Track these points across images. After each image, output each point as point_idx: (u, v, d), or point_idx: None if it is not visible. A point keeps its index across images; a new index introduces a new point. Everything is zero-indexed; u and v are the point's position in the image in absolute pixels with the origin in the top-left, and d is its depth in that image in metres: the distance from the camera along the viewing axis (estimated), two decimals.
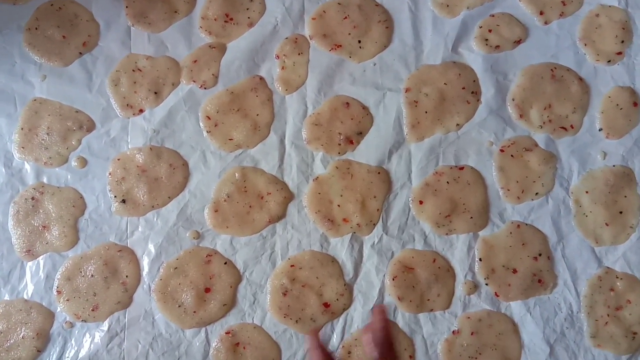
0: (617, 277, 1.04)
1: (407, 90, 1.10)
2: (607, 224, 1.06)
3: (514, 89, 1.10)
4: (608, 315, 1.03)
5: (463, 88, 1.10)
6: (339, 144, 1.09)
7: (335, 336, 1.04)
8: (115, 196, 1.08)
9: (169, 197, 1.08)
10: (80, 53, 1.12)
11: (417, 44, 1.12)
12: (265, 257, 1.06)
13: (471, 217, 1.06)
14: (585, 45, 1.11)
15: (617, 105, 1.09)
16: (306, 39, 1.13)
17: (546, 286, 1.05)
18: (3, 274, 1.06)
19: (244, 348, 1.03)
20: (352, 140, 1.09)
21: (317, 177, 1.08)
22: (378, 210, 1.07)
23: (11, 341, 1.03)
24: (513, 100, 1.10)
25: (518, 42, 1.11)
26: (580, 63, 1.11)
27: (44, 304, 1.05)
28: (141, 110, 1.11)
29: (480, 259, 1.05)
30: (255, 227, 1.07)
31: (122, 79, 1.11)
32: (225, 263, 1.06)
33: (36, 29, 1.13)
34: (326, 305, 1.04)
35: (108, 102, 1.11)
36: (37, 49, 1.12)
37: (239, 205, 1.07)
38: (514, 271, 1.05)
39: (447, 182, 1.07)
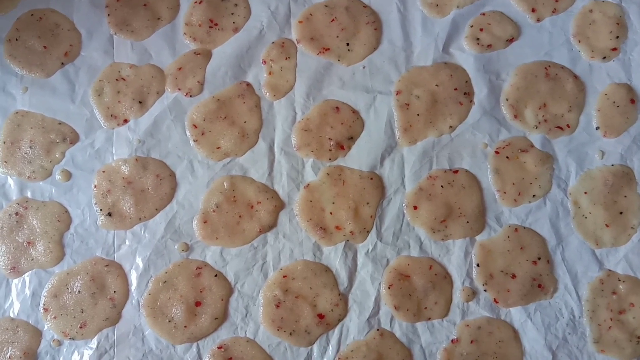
0: (620, 280, 1.02)
1: (397, 92, 1.08)
2: (607, 225, 1.03)
3: (507, 88, 1.08)
4: (611, 319, 1.00)
5: (455, 89, 1.08)
6: (330, 150, 1.06)
7: (330, 348, 1.01)
8: (101, 209, 1.05)
9: (156, 209, 1.05)
10: (62, 63, 1.10)
11: (407, 45, 1.10)
12: (257, 268, 1.04)
13: (467, 222, 1.04)
14: (580, 42, 1.09)
15: (614, 102, 1.07)
16: (293, 43, 1.10)
17: (546, 291, 1.02)
18: None
19: None
20: (343, 145, 1.07)
21: (308, 185, 1.06)
22: (371, 216, 1.05)
23: None
24: (507, 100, 1.07)
25: (510, 40, 1.09)
26: (574, 60, 1.09)
27: (30, 322, 1.02)
28: (126, 121, 1.08)
29: (477, 265, 1.03)
30: (245, 237, 1.04)
31: (106, 89, 1.09)
32: (216, 275, 1.03)
33: (17, 40, 1.10)
34: (321, 316, 1.01)
35: (92, 113, 1.08)
36: (18, 60, 1.10)
37: (229, 215, 1.04)
38: (513, 276, 1.02)
39: (442, 186, 1.05)
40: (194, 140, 1.07)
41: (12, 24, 1.11)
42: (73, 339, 1.02)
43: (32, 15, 1.12)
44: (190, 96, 1.09)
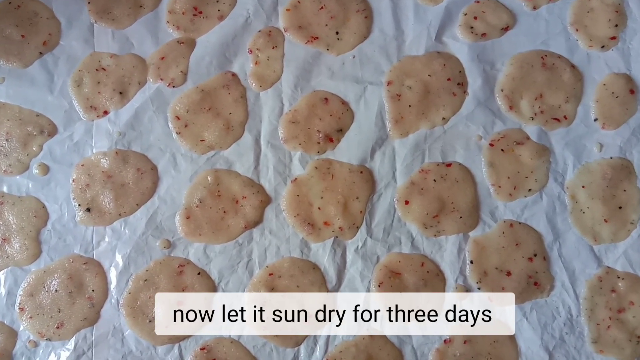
0: (619, 277, 0.99)
1: (389, 83, 1.04)
2: (605, 220, 1.00)
3: (502, 79, 1.05)
4: (610, 318, 0.97)
5: (448, 79, 1.04)
6: (318, 143, 1.03)
7: (318, 349, 0.97)
8: (79, 204, 1.02)
9: (137, 204, 1.02)
10: (41, 53, 1.06)
11: (399, 33, 1.06)
12: (242, 266, 1.00)
13: (460, 217, 1.00)
14: (577, 30, 1.06)
15: (613, 93, 1.03)
16: (280, 31, 1.07)
17: (543, 289, 0.99)
18: None
19: None
20: (332, 138, 1.03)
21: (296, 179, 1.02)
22: (361, 212, 1.01)
23: None
24: (502, 90, 1.04)
25: (505, 29, 1.06)
26: (572, 49, 1.06)
27: (5, 322, 0.99)
28: (106, 112, 1.05)
29: (471, 262, 0.99)
30: (230, 233, 1.01)
31: (85, 79, 1.05)
32: (199, 273, 1.00)
33: None
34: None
35: (70, 104, 1.05)
36: None
37: (213, 210, 1.01)
38: (508, 273, 0.99)
39: (434, 180, 1.01)
40: (176, 133, 1.04)
41: None
42: (50, 340, 0.98)
43: (9, 3, 1.08)
44: (173, 87, 1.05)
